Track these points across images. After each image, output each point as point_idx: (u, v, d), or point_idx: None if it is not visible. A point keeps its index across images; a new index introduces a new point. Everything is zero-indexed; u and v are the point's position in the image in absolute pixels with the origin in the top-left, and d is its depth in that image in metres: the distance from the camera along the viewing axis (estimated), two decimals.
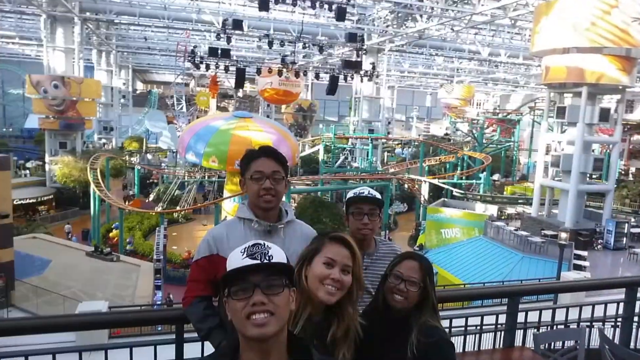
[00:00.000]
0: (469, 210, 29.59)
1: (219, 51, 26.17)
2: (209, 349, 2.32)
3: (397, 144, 63.62)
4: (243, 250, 1.54)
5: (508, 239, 22.48)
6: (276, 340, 1.48)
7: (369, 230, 2.58)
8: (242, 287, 1.47)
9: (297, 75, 30.76)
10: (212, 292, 2.42)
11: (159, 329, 10.11)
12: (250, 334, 1.45)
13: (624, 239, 23.44)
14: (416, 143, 53.83)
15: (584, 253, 20.78)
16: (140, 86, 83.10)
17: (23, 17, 41.44)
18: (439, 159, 44.61)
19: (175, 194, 35.43)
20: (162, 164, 46.50)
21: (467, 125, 55.58)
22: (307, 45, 28.28)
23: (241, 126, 22.39)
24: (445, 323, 2.97)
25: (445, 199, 32.79)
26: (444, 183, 35.89)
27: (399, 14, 34.42)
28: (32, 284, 16.55)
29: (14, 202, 31.87)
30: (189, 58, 28.08)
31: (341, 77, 29.18)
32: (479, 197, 33.59)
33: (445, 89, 63.01)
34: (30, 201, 32.67)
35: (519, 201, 33.54)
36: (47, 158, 35.46)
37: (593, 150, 30.10)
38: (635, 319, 4.46)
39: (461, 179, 37.65)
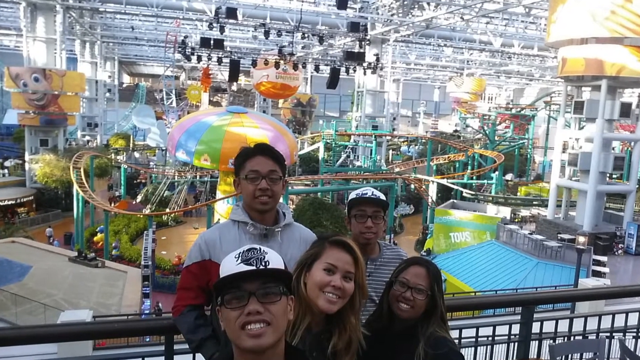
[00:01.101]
0: (480, 212, 29.59)
1: (212, 42, 26.17)
2: None
3: (403, 142, 63.68)
4: (237, 256, 1.54)
5: (522, 244, 22.48)
6: (273, 352, 1.48)
7: (372, 234, 2.58)
8: (236, 295, 1.47)
9: (295, 67, 30.81)
10: (204, 300, 2.42)
11: (147, 340, 10.11)
12: (245, 345, 1.45)
13: None
14: (423, 140, 53.86)
15: (604, 258, 20.80)
16: (126, 79, 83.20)
17: (1, 5, 41.44)
18: (448, 157, 44.63)
19: (164, 195, 35.43)
20: (151, 163, 46.51)
21: (478, 121, 55.62)
22: (306, 35, 28.31)
23: (235, 122, 22.39)
24: (454, 334, 2.97)
25: (455, 201, 32.78)
26: (453, 183, 35.90)
27: (405, 2, 34.44)
28: (10, 291, 16.53)
29: None
30: (179, 49, 28.14)
31: (343, 69, 29.21)
32: (490, 198, 33.60)
33: (455, 82, 63.07)
34: (9, 202, 32.64)
35: (534, 203, 33.56)
36: (27, 156, 35.46)
37: (613, 148, 30.08)
38: None
39: (472, 179, 37.67)
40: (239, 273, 1.48)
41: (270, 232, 2.40)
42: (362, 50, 29.09)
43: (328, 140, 43.96)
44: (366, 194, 2.60)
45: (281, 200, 2.52)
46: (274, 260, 1.54)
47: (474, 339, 3.83)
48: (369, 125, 42.94)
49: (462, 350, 3.32)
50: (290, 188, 29.25)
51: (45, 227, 30.36)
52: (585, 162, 23.95)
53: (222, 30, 26.16)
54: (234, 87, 68.84)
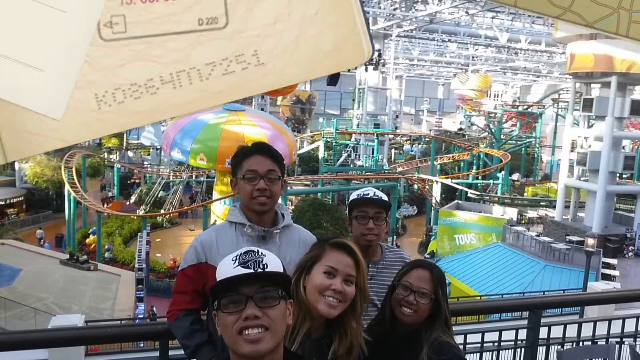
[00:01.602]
0: (486, 213, 29.62)
1: None
2: None
3: (406, 140, 63.68)
4: (234, 258, 1.54)
5: (529, 246, 22.50)
6: (271, 358, 1.48)
7: (374, 236, 2.58)
8: (233, 299, 1.46)
9: None
10: (200, 304, 2.42)
11: (142, 345, 10.11)
12: (242, 351, 1.45)
13: None
14: (427, 139, 53.88)
15: (614, 261, 20.82)
16: None
17: None
18: (452, 156, 44.64)
19: (159, 195, 35.45)
20: (145, 163, 46.53)
21: (484, 119, 55.65)
22: None
23: (232, 120, 22.42)
24: (459, 339, 2.97)
25: (459, 201, 32.81)
26: (457, 183, 35.90)
27: None
28: (0, 295, 16.56)
29: None
30: None
31: None
32: (496, 199, 33.61)
33: (459, 78, 63.06)
34: None
35: (541, 203, 33.56)
36: None
37: (623, 147, 30.12)
38: None
39: (477, 178, 37.68)
40: (236, 276, 1.48)
41: (269, 234, 2.39)
42: None
43: (328, 139, 43.95)
44: (368, 194, 2.60)
45: (280, 201, 2.52)
46: (273, 263, 1.54)
47: (479, 345, 3.83)
48: (371, 123, 42.96)
49: (467, 356, 3.32)
50: (289, 188, 29.27)
51: (36, 228, 30.40)
52: (595, 162, 23.95)
53: None
54: None
